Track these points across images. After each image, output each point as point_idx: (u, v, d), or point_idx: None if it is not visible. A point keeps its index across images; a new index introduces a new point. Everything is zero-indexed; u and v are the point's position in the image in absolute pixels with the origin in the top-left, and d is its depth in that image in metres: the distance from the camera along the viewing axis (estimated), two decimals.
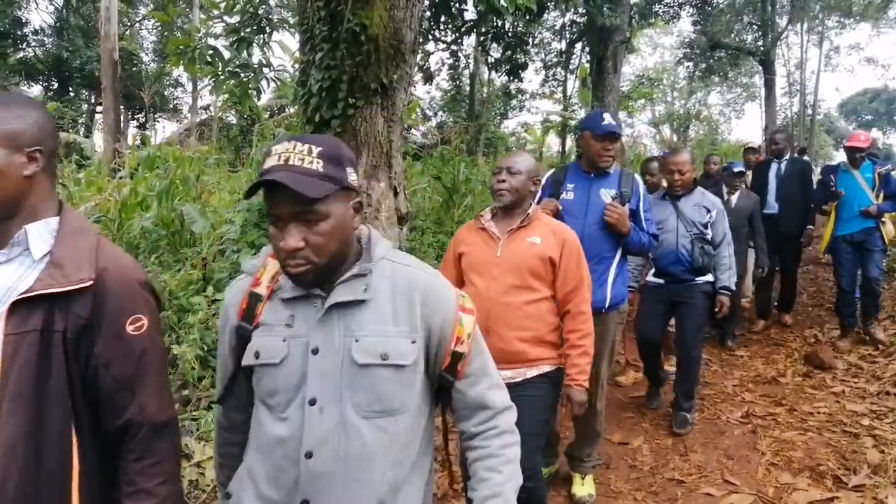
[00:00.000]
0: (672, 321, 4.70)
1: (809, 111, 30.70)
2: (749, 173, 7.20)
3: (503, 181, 2.97)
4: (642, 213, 3.45)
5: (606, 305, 3.36)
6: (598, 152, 3.38)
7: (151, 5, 24.85)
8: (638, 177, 3.51)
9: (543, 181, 3.43)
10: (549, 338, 2.78)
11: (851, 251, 6.04)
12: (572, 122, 20.64)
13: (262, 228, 5.09)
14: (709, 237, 4.35)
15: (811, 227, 6.67)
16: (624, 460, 4.06)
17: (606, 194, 3.38)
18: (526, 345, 2.72)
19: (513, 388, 2.14)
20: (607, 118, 3.39)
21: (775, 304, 7.05)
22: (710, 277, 4.41)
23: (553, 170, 3.66)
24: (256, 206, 5.23)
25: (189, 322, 4.53)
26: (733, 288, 4.46)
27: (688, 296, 4.39)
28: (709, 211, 4.37)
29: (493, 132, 17.73)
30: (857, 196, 5.96)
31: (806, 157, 10.26)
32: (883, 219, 6.01)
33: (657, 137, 32.56)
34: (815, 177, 7.80)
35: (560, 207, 3.34)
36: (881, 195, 5.98)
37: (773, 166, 6.78)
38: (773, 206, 6.64)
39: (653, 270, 4.62)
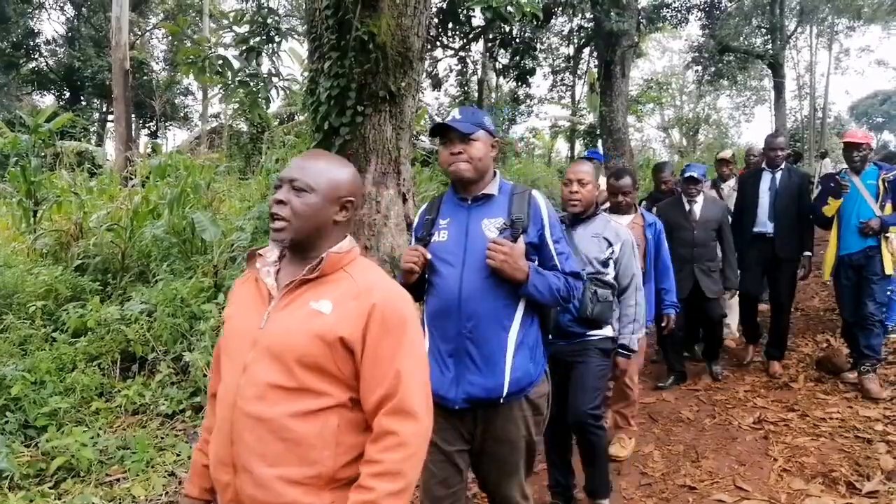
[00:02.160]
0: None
1: (819, 114, 30.55)
2: (731, 183, 6.66)
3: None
4: (551, 245, 2.40)
5: (504, 393, 2.29)
6: (445, 161, 2.40)
7: (161, 15, 25.09)
8: (538, 194, 2.46)
9: (416, 220, 2.60)
10: (344, 475, 1.61)
11: (853, 276, 5.09)
12: (581, 127, 20.66)
13: None
14: (608, 278, 3.32)
15: (809, 252, 5.51)
16: (635, 467, 4.04)
17: (490, 226, 2.35)
18: (299, 492, 1.57)
19: None
20: (453, 113, 2.42)
21: (762, 341, 5.95)
22: (609, 331, 3.39)
23: (427, 203, 2.64)
24: (267, 213, 5.26)
25: (200, 329, 4.57)
26: (634, 349, 3.48)
27: (578, 355, 3.30)
28: (610, 244, 3.33)
29: (501, 138, 17.72)
30: (857, 206, 5.01)
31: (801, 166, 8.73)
32: (888, 234, 4.97)
33: (666, 142, 32.52)
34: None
35: (427, 257, 2.36)
36: (887, 206, 4.98)
37: (766, 177, 5.59)
38: (765, 225, 5.52)
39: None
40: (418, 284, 2.41)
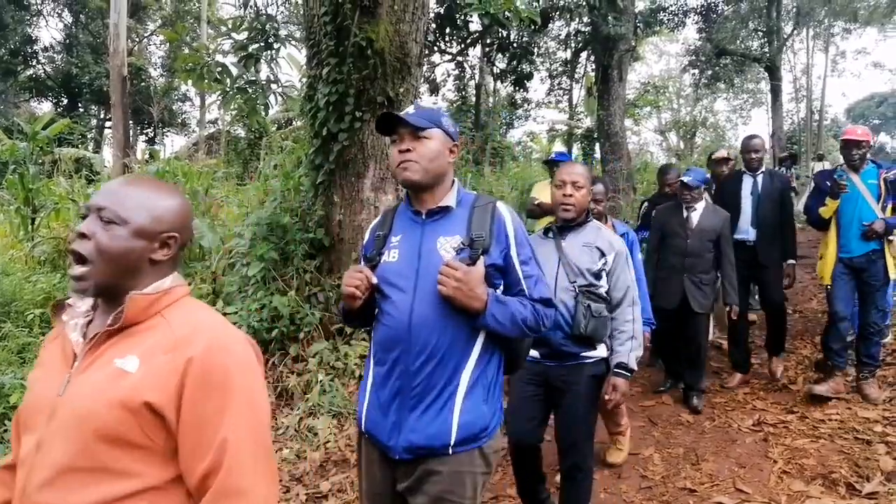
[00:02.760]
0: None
1: (816, 116, 30.60)
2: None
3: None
4: (518, 267, 2.03)
5: (452, 441, 1.92)
6: (394, 161, 2.06)
7: (159, 21, 25.13)
8: (503, 207, 2.08)
9: (367, 236, 2.27)
10: None
11: (850, 274, 4.85)
12: (578, 131, 20.68)
13: (271, 242, 5.13)
14: (602, 291, 3.02)
15: (793, 261, 5.33)
16: (635, 470, 4.05)
17: (447, 245, 2.00)
18: None
19: None
20: (408, 109, 2.10)
21: (759, 346, 5.84)
22: (603, 352, 3.06)
23: (380, 216, 2.29)
24: (265, 219, 5.26)
25: None
26: (633, 367, 3.08)
27: (570, 380, 2.98)
28: (603, 254, 3.02)
29: (499, 142, 17.75)
30: (858, 208, 4.75)
31: (794, 169, 7.74)
32: (891, 237, 4.75)
33: (664, 145, 32.57)
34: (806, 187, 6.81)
35: (372, 281, 2.03)
36: (889, 207, 4.76)
37: (747, 181, 5.37)
38: (747, 232, 5.30)
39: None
40: (364, 311, 2.08)
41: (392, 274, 2.02)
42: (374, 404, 2.01)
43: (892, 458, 3.86)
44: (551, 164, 5.48)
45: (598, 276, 3.01)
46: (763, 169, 5.38)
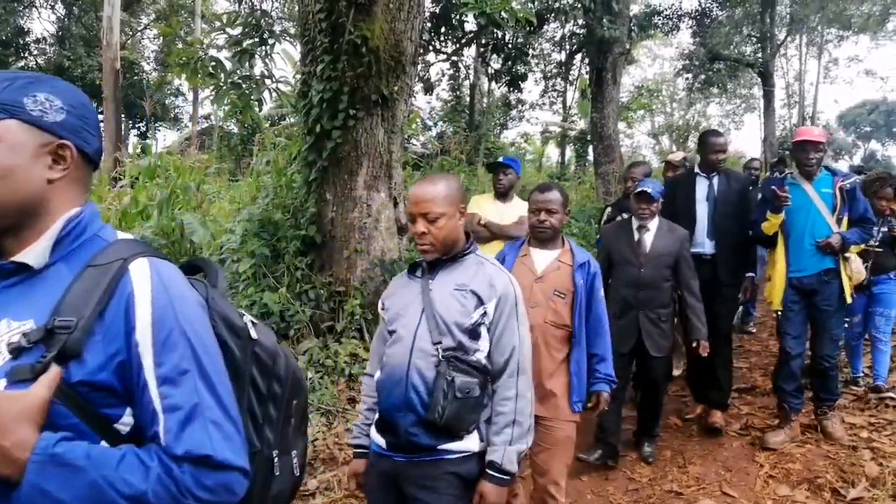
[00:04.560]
0: None
1: (808, 123, 30.78)
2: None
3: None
4: (154, 391, 1.06)
5: None
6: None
7: (153, 15, 25.02)
8: (144, 270, 1.09)
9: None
10: None
11: (802, 302, 4.19)
12: (572, 133, 20.75)
13: (262, 238, 5.11)
14: (478, 357, 2.11)
15: (752, 273, 4.63)
16: (622, 472, 4.05)
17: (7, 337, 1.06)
18: None
19: None
20: None
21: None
22: (474, 444, 2.09)
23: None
24: (257, 216, 5.25)
25: None
26: (513, 470, 2.07)
27: (424, 485, 2.06)
28: (481, 302, 2.10)
29: (492, 142, 17.78)
30: (811, 221, 4.10)
31: (779, 173, 6.68)
32: (847, 254, 4.14)
33: (656, 148, 32.69)
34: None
35: None
36: (844, 220, 4.14)
37: (701, 185, 4.57)
38: (703, 245, 4.50)
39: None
40: None
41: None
42: None
43: (877, 464, 3.89)
44: (495, 169, 4.66)
45: (473, 333, 2.09)
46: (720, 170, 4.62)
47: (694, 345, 4.00)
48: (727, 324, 4.64)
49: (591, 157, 14.00)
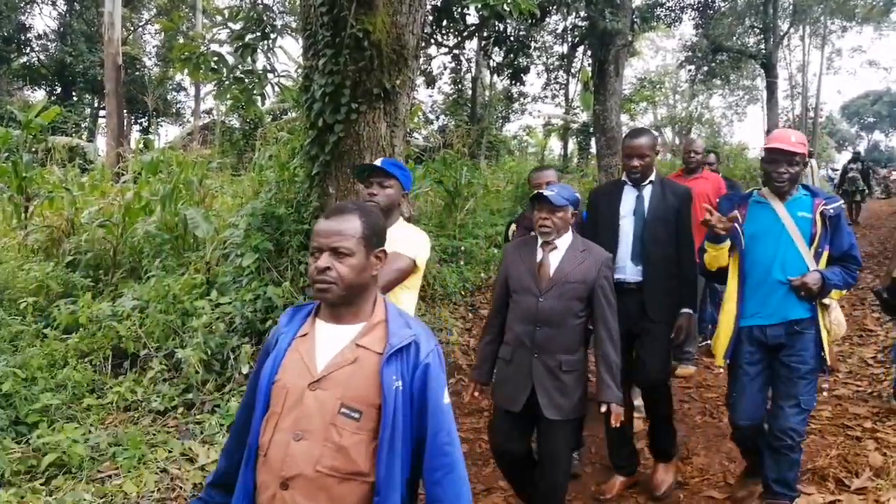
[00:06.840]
0: None
1: (811, 114, 30.68)
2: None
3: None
4: None
5: None
6: None
7: (154, 10, 24.99)
8: None
9: None
10: None
11: (759, 360, 3.17)
12: (574, 126, 20.71)
13: (266, 232, 5.11)
14: None
15: (689, 310, 3.55)
16: None
17: None
18: None
19: None
20: None
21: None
22: None
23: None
24: (260, 210, 5.25)
25: (193, 326, 4.56)
26: None
27: None
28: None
29: (494, 135, 17.78)
30: (781, 252, 3.10)
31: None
32: (826, 301, 3.11)
33: (659, 140, 32.61)
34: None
35: None
36: (824, 255, 3.09)
37: (628, 196, 3.61)
38: (628, 270, 3.55)
39: None
40: None
41: None
42: None
43: (881, 454, 3.89)
44: (364, 177, 2.99)
45: None
46: (652, 178, 3.58)
47: (602, 409, 2.95)
48: (660, 371, 3.57)
49: (593, 149, 13.96)
